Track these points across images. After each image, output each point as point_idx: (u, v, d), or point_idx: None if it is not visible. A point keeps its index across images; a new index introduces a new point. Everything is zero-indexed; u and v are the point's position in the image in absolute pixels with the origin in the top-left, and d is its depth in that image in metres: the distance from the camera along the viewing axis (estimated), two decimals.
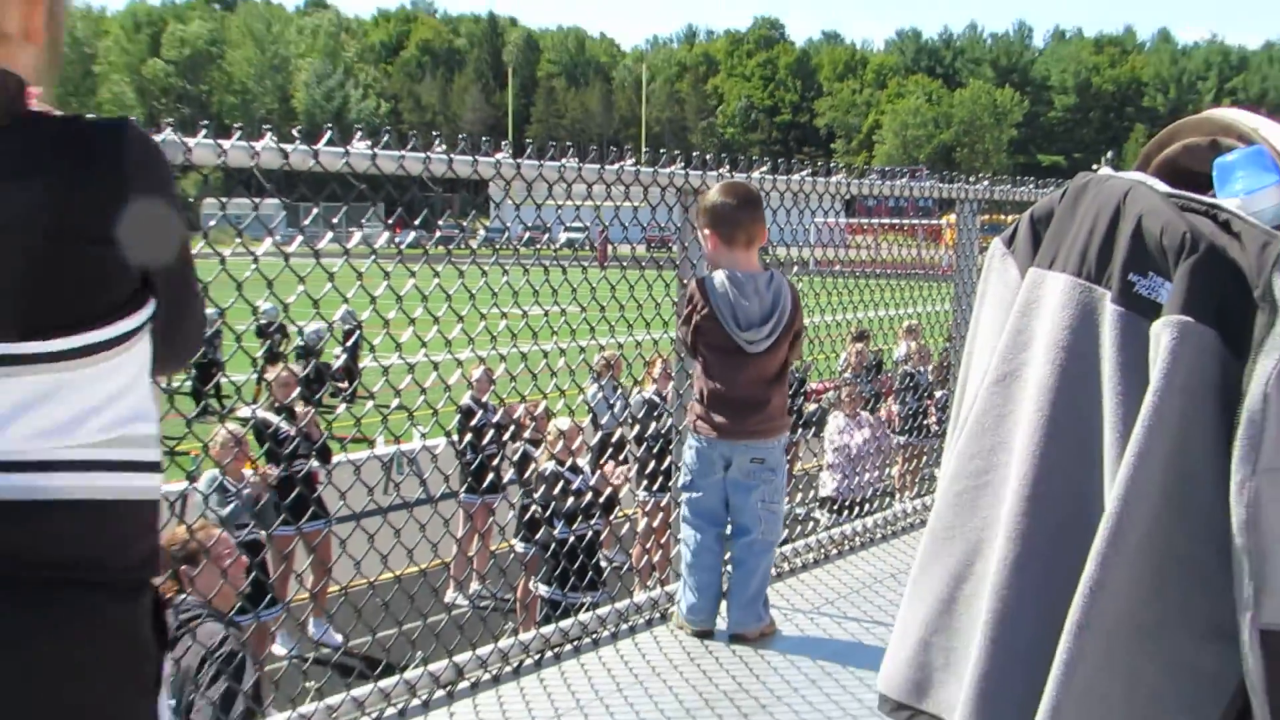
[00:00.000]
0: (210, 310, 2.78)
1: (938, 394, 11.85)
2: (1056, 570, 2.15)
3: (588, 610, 5.46)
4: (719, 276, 5.10)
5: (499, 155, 4.71)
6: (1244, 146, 2.29)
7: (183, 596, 5.31)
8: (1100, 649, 1.98)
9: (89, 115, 1.97)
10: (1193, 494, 2.00)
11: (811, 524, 6.95)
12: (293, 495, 9.94)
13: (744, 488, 5.19)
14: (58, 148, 1.88)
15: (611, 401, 11.86)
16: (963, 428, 2.33)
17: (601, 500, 8.32)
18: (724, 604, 5.35)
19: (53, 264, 1.84)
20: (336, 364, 22.15)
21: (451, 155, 4.44)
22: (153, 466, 1.99)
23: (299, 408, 12.14)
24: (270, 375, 12.16)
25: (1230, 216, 2.15)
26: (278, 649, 11.37)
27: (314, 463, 11.56)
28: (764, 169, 6.16)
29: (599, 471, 8.81)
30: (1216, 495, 1.98)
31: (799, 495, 8.14)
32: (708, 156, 5.87)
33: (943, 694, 2.23)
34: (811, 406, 16.00)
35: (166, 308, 2.01)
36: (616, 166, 5.23)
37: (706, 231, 5.21)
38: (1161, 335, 2.04)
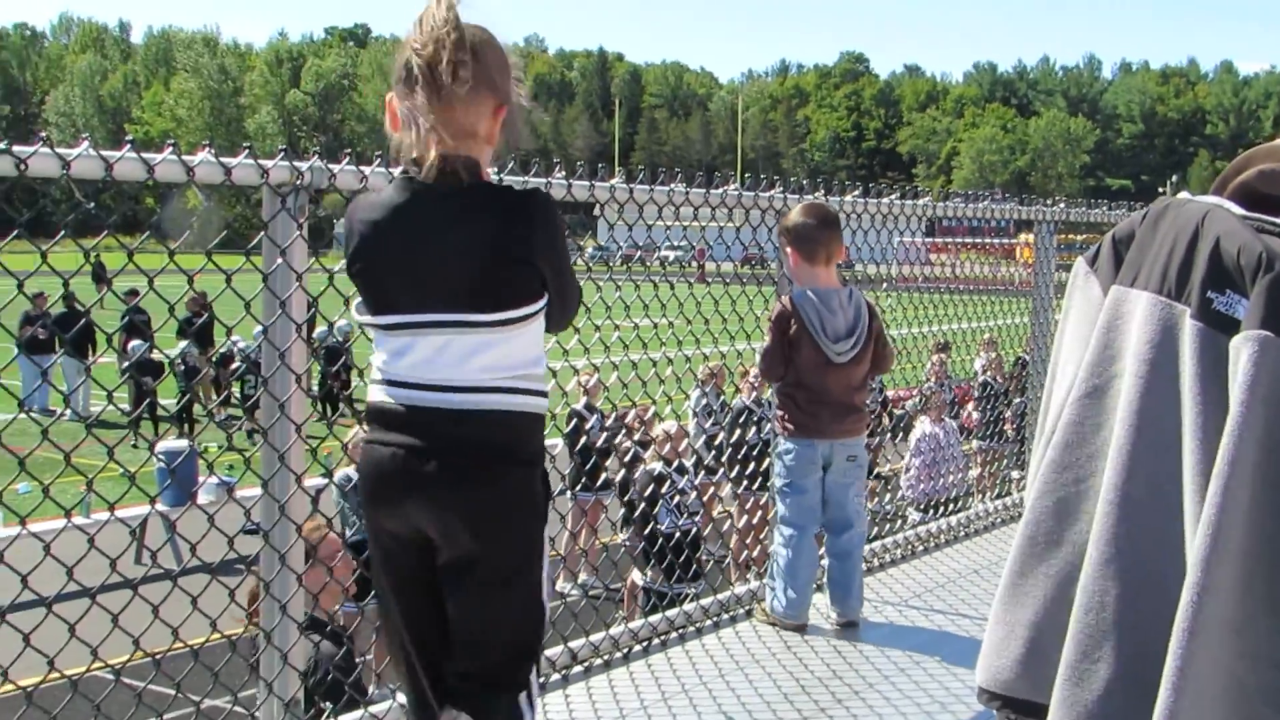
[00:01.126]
0: (342, 322, 3.14)
1: (1015, 401, 11.73)
2: (1139, 565, 2.13)
3: (691, 600, 5.46)
4: (807, 294, 5.12)
5: (613, 181, 4.73)
6: None
7: None
8: (1208, 652, 1.95)
9: (511, 185, 3.07)
10: (1278, 498, 1.97)
11: (900, 521, 6.91)
12: None
13: (842, 485, 5.24)
14: (499, 202, 2.88)
15: (714, 408, 11.92)
16: (1051, 438, 2.30)
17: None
18: (819, 596, 5.34)
19: (494, 271, 2.84)
20: None
21: (570, 180, 4.47)
22: (543, 394, 2.95)
23: None
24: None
25: None
26: None
27: None
28: (855, 193, 6.13)
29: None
30: None
31: (887, 495, 8.10)
32: (804, 181, 5.86)
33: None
34: (896, 412, 15.92)
35: (555, 297, 2.95)
36: (720, 191, 5.24)
37: (789, 249, 5.23)
38: (1242, 349, 2.01)
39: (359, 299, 2.97)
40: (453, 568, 2.89)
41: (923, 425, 11.31)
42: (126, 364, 21.91)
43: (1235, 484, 1.95)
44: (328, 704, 4.22)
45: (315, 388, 22.31)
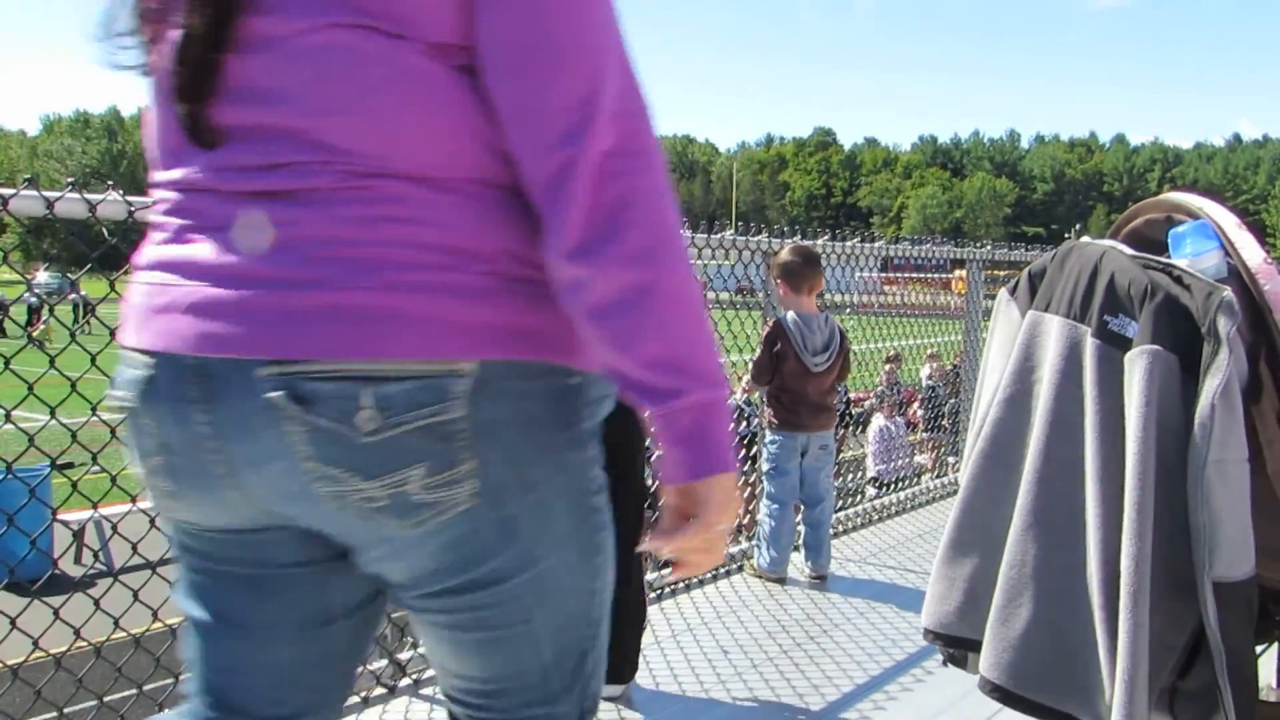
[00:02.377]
0: None
1: (950, 403, 11.71)
2: (1053, 530, 2.13)
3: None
4: (791, 317, 5.13)
5: None
6: (1191, 220, 2.24)
7: None
8: (1145, 608, 1.94)
9: None
10: (1172, 480, 1.96)
11: (860, 496, 6.89)
12: None
13: (816, 468, 5.25)
14: None
15: None
16: (981, 430, 2.29)
17: None
18: (796, 555, 5.32)
19: None
20: None
21: None
22: None
23: None
24: None
25: (1182, 273, 2.10)
26: None
27: None
28: (825, 238, 6.12)
29: None
30: (1185, 482, 1.95)
31: (850, 475, 8.08)
32: (784, 229, 5.86)
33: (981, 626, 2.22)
34: (856, 410, 15.88)
35: None
36: (718, 236, 5.23)
37: (779, 281, 5.24)
38: (1137, 360, 2.00)
39: None
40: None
41: (878, 420, 11.27)
42: None
43: (1146, 469, 1.95)
44: None
45: None
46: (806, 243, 5.68)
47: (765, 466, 5.25)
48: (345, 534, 1.31)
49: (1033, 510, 2.14)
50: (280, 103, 1.23)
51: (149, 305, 1.33)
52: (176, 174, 1.33)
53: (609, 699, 3.69)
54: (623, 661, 3.64)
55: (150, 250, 1.36)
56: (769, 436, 5.22)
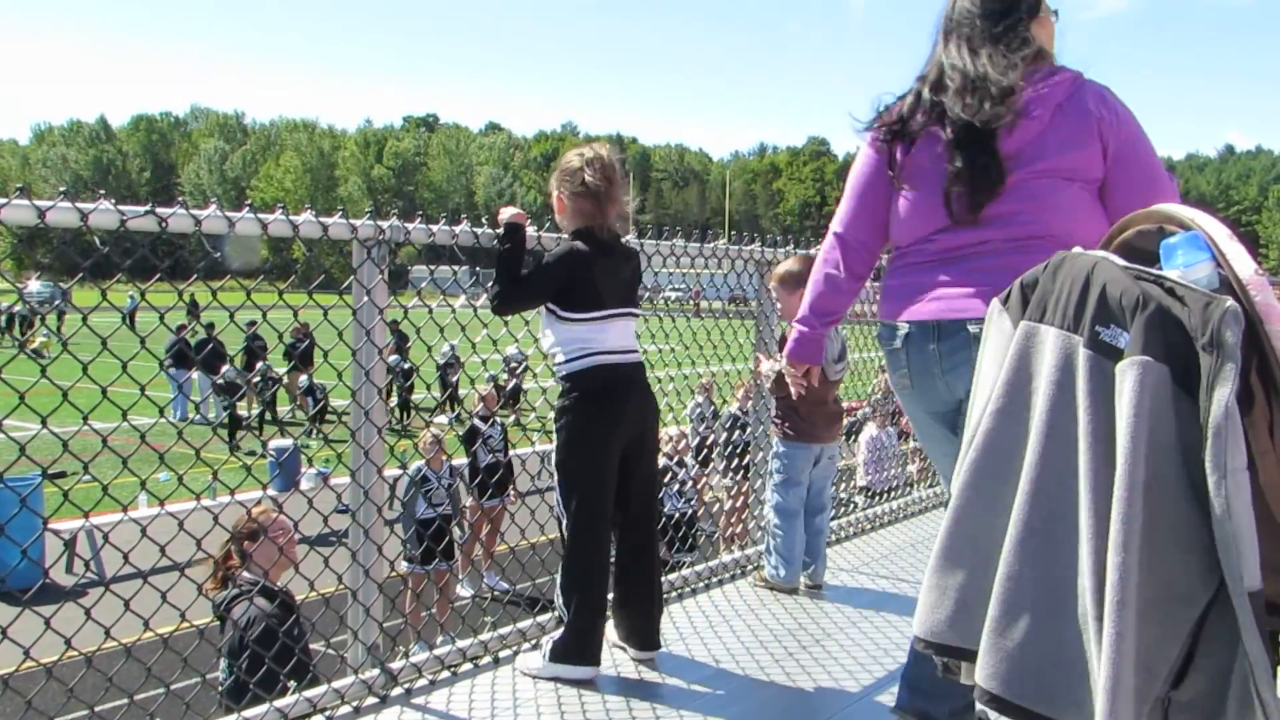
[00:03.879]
0: (444, 347, 3.01)
1: None
2: (1049, 542, 2.13)
3: (689, 567, 5.44)
4: None
5: (626, 237, 4.71)
6: (1183, 232, 2.24)
7: (242, 572, 4.91)
8: (1134, 619, 1.94)
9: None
10: (1164, 491, 1.96)
11: (852, 505, 6.88)
12: (480, 479, 10.06)
13: (824, 478, 5.31)
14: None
15: (705, 414, 11.84)
16: (974, 443, 2.29)
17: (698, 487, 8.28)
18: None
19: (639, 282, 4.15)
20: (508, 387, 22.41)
21: None
22: None
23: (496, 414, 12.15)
24: (481, 391, 12.24)
25: (1174, 284, 2.10)
26: (461, 591, 11.44)
27: (499, 456, 11.65)
28: (819, 246, 6.10)
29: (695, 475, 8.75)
30: (1178, 492, 1.95)
31: (842, 484, 8.08)
32: (778, 238, 5.86)
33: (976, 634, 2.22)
34: (849, 419, 15.86)
35: None
36: (712, 245, 5.23)
37: (783, 290, 5.18)
38: (1128, 371, 2.00)
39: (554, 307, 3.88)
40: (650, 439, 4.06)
41: (870, 430, 11.27)
42: (255, 379, 21.98)
43: (1136, 480, 1.95)
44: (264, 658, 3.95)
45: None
46: (802, 252, 5.69)
47: (776, 478, 5.20)
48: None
49: (1028, 521, 2.13)
50: (1017, 204, 2.85)
51: (914, 299, 2.98)
52: (938, 239, 2.97)
53: (641, 661, 4.09)
54: (650, 629, 4.11)
55: (914, 276, 3.02)
56: (780, 447, 5.19)
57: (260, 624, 4.59)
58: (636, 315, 4.09)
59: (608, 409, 3.90)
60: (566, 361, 3.92)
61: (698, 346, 5.42)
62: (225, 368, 21.17)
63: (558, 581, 3.94)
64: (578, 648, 3.89)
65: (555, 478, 3.94)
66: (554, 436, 3.92)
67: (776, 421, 5.23)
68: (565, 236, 4.04)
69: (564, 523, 3.92)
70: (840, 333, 5.26)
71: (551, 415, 3.99)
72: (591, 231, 3.95)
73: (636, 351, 4.07)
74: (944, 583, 2.28)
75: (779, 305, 5.29)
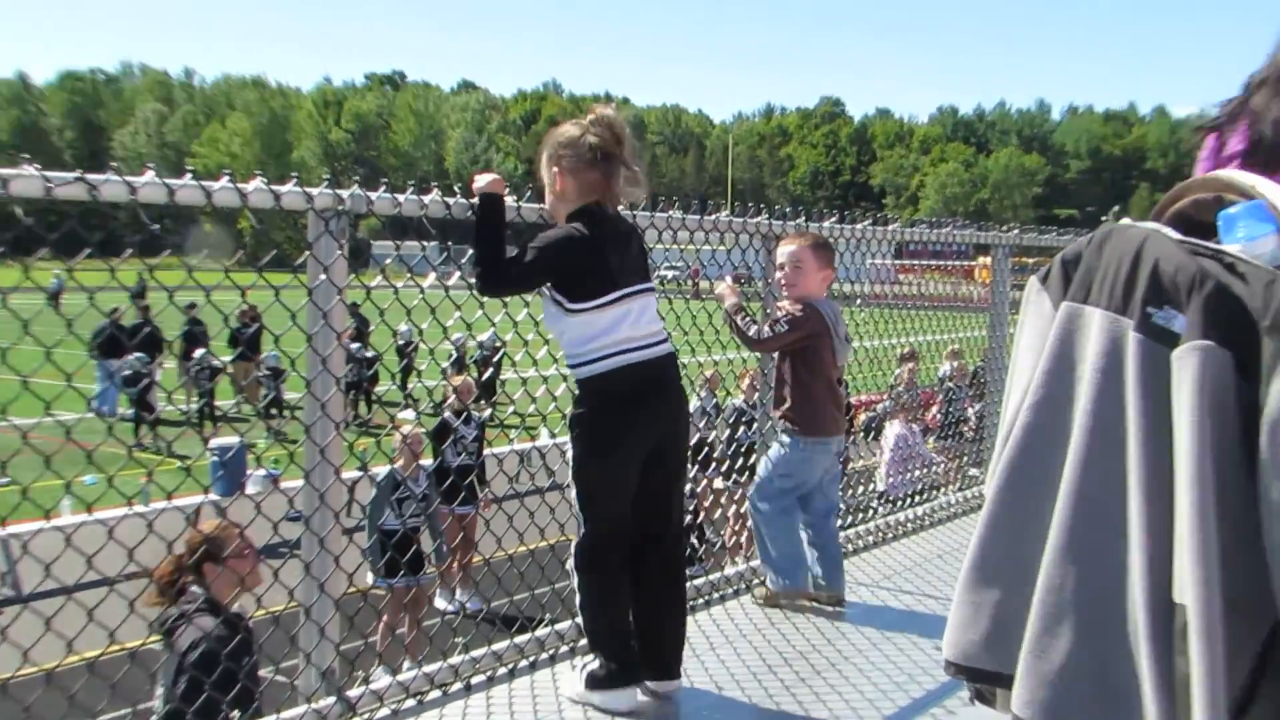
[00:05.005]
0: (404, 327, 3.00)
1: (974, 407, 11.67)
2: (1094, 551, 2.12)
3: (689, 581, 5.42)
4: (822, 306, 5.12)
5: (618, 209, 4.68)
6: (1244, 201, 2.23)
7: (192, 589, 4.90)
8: (1219, 644, 1.93)
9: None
10: (1230, 495, 1.95)
11: (871, 512, 6.88)
12: (450, 482, 10.07)
13: (835, 474, 5.35)
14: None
15: (708, 409, 11.80)
16: (1010, 440, 2.28)
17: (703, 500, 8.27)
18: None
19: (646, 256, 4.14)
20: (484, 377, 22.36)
21: None
22: None
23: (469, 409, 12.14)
24: (455, 382, 12.25)
25: (1234, 259, 2.09)
26: (440, 604, 11.45)
27: (472, 458, 11.62)
28: (832, 220, 6.11)
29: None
30: (1246, 496, 1.94)
31: (859, 488, 8.07)
32: (786, 210, 5.85)
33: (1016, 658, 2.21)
34: (863, 416, 15.86)
35: None
36: (713, 217, 5.23)
37: (791, 266, 5.17)
38: (1187, 358, 1.99)
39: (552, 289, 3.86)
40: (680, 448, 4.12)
41: (894, 427, 11.28)
42: (197, 369, 21.92)
43: (1202, 479, 1.94)
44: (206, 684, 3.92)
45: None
46: (814, 227, 5.70)
47: (783, 483, 5.17)
48: None
49: (1071, 529, 2.12)
50: None
51: None
52: None
53: (663, 694, 4.08)
54: (672, 658, 4.11)
55: None
56: (789, 444, 5.15)
57: (202, 647, 4.57)
58: (654, 291, 4.08)
59: (635, 418, 3.89)
60: (584, 364, 3.89)
61: (698, 332, 5.40)
62: (130, 356, 21.00)
63: (579, 605, 4.00)
64: (617, 674, 3.99)
65: (574, 488, 3.96)
66: (570, 443, 3.93)
67: (784, 415, 5.18)
68: (546, 209, 4.04)
69: (581, 532, 3.96)
70: (837, 308, 5.26)
71: (541, 411, 4.00)
72: (598, 208, 3.93)
73: (665, 336, 4.06)
74: (977, 598, 2.28)
75: (791, 273, 5.19)
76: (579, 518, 3.96)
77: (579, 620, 4.08)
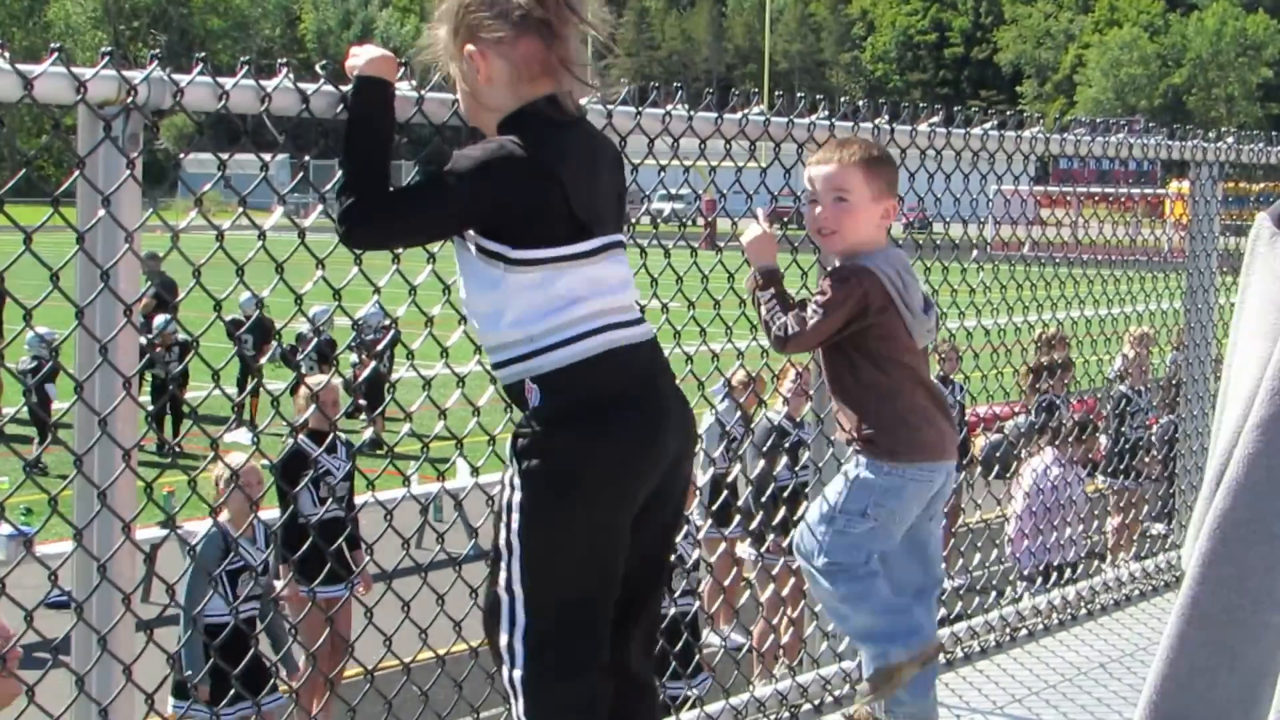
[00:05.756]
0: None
1: (1163, 420, 11.62)
2: None
3: (692, 706, 5.43)
4: (878, 262, 5.07)
5: (583, 100, 4.65)
6: None
7: None
8: None
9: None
10: None
11: (990, 596, 6.87)
12: (305, 547, 10.03)
13: (936, 524, 5.40)
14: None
15: (731, 429, 11.61)
16: (1227, 478, 2.28)
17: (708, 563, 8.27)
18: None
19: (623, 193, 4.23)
20: (361, 376, 22.27)
21: None
22: None
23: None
24: (311, 387, 12.18)
25: None
26: None
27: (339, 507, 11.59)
28: (934, 120, 6.11)
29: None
30: None
31: (974, 556, 8.03)
32: (860, 103, 5.85)
33: None
34: (982, 439, 15.86)
35: None
36: (739, 116, 5.22)
37: (867, 184, 5.14)
38: None
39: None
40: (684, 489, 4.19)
41: (1041, 459, 11.20)
42: None
43: None
44: None
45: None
46: (903, 131, 5.72)
47: (857, 529, 5.13)
48: None
49: None
50: None
51: None
52: None
53: None
54: None
55: None
56: (871, 475, 5.12)
57: None
58: (625, 246, 4.11)
59: (638, 438, 3.89)
60: (541, 352, 3.86)
61: (712, 304, 5.38)
62: None
63: None
64: None
65: (508, 560, 3.88)
66: (513, 485, 3.88)
67: (856, 435, 5.17)
68: (462, 111, 4.04)
69: (515, 653, 3.89)
70: (902, 259, 5.22)
71: (445, 441, 3.98)
72: (549, 105, 3.92)
73: (641, 315, 4.09)
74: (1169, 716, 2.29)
75: (830, 211, 5.15)
76: (515, 603, 3.88)
77: None
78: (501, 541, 3.85)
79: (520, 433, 3.83)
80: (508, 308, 3.82)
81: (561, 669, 3.86)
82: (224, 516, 10.25)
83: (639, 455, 3.84)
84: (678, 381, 4.12)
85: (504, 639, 3.89)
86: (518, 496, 3.81)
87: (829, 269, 5.17)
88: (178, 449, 22.06)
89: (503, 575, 3.87)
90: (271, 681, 10.07)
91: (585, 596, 3.85)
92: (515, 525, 3.82)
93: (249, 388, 21.63)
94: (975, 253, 7.17)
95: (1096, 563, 8.06)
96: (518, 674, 3.87)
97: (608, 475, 3.81)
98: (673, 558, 4.27)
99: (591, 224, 3.87)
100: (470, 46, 3.86)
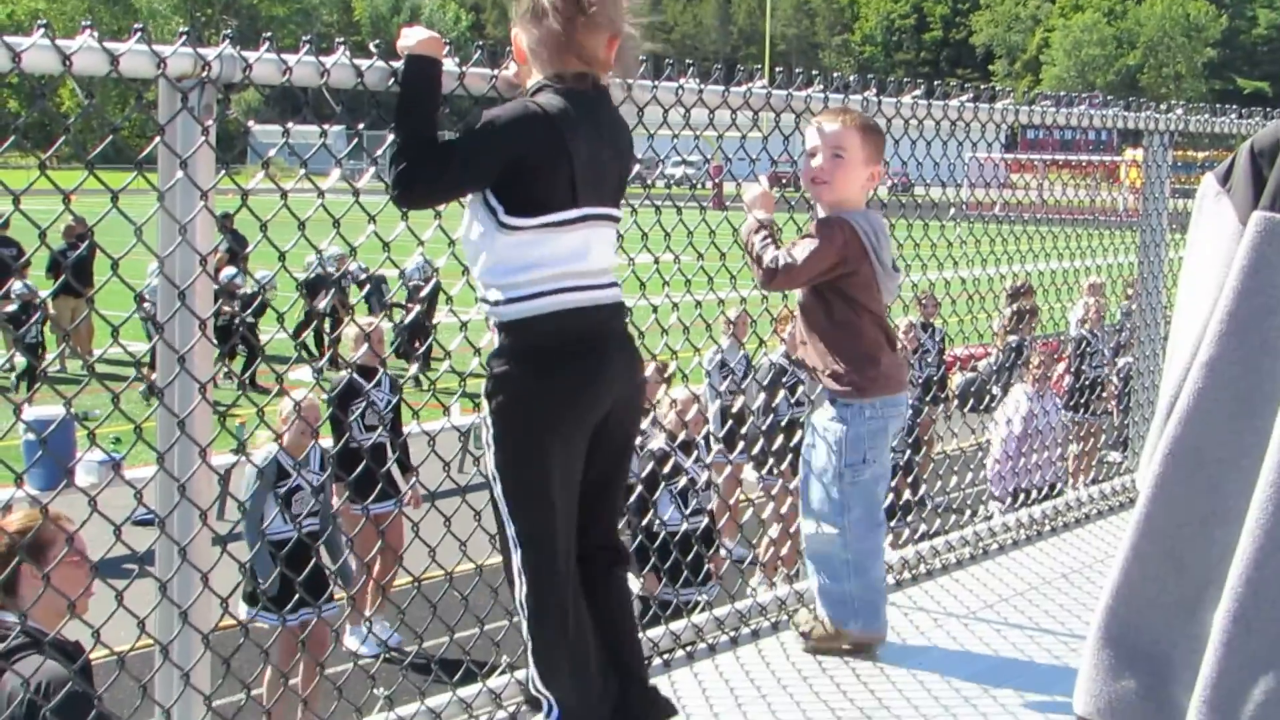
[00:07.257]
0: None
1: (1120, 362, 11.65)
2: None
3: (702, 610, 5.42)
4: (858, 219, 5.08)
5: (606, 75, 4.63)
6: None
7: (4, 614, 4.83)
8: None
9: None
10: None
11: (969, 514, 6.87)
12: (359, 470, 10.01)
13: (894, 454, 5.47)
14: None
15: (732, 365, 11.71)
16: (1176, 412, 2.26)
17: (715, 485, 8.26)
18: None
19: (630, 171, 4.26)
20: (407, 319, 22.19)
21: None
22: None
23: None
24: (360, 328, 12.12)
25: None
26: (352, 644, 11.45)
27: (386, 433, 11.58)
28: (916, 93, 6.09)
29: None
30: None
31: (950, 479, 8.03)
32: (850, 79, 5.83)
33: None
34: (958, 377, 15.85)
35: None
36: (744, 89, 5.20)
37: (860, 147, 5.12)
38: None
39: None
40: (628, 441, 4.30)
41: (1018, 395, 11.16)
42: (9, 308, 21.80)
43: None
44: None
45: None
46: (890, 103, 5.70)
47: (857, 475, 5.15)
48: None
49: (1270, 530, 2.09)
50: None
51: None
52: None
53: None
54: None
55: None
56: (842, 414, 5.12)
57: (61, 691, 4.51)
58: (618, 220, 4.15)
59: (578, 380, 3.95)
60: (511, 301, 3.91)
61: (718, 255, 5.39)
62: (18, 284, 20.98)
63: (529, 651, 4.01)
64: None
65: (493, 489, 3.97)
66: (486, 424, 3.91)
67: (833, 375, 5.14)
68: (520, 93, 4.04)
69: (513, 556, 3.97)
70: (879, 221, 5.22)
71: (480, 379, 3.99)
72: (576, 78, 3.94)
73: (616, 283, 4.14)
74: (1125, 632, 2.27)
75: (829, 164, 5.11)
76: (509, 534, 3.99)
77: (534, 681, 4.06)
78: (487, 468, 4.00)
79: (490, 372, 3.96)
80: (488, 257, 3.94)
81: (542, 593, 3.98)
82: (281, 444, 10.23)
83: (578, 392, 3.96)
84: (676, 321, 4.19)
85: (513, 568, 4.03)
86: (486, 432, 3.94)
87: (816, 220, 5.18)
88: (247, 383, 22.04)
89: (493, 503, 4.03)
90: (329, 590, 10.10)
91: (547, 520, 3.97)
92: (490, 458, 3.96)
93: (302, 334, 21.59)
94: (952, 211, 7.16)
95: (1057, 486, 8.03)
96: (521, 600, 4.00)
97: (549, 409, 3.91)
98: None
99: (582, 195, 3.93)
100: (513, 27, 4.03)
